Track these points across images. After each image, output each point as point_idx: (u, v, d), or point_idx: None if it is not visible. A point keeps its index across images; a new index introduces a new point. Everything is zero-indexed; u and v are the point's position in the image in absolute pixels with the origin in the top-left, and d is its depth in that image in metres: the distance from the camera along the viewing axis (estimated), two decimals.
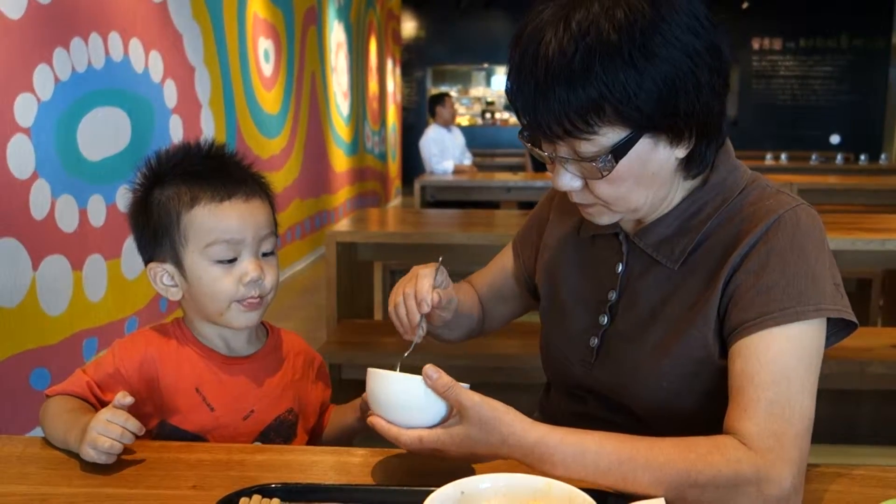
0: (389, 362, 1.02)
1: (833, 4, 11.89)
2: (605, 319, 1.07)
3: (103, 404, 1.11)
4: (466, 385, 0.91)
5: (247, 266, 1.10)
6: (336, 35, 7.61)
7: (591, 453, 0.85)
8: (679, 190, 1.02)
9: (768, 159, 8.24)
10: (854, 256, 2.61)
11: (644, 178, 0.95)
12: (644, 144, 0.91)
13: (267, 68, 5.44)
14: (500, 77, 12.77)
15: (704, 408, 0.97)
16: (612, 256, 1.08)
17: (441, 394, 0.89)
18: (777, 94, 12.48)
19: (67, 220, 2.91)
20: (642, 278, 1.04)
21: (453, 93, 12.15)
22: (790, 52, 12.42)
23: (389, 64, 11.13)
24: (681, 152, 0.95)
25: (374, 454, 1.04)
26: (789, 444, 0.85)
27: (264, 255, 1.14)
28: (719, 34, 0.92)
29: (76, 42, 2.96)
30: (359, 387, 1.02)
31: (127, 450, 0.99)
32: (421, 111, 12.55)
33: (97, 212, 3.12)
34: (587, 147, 0.91)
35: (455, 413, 0.90)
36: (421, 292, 1.06)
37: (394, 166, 11.45)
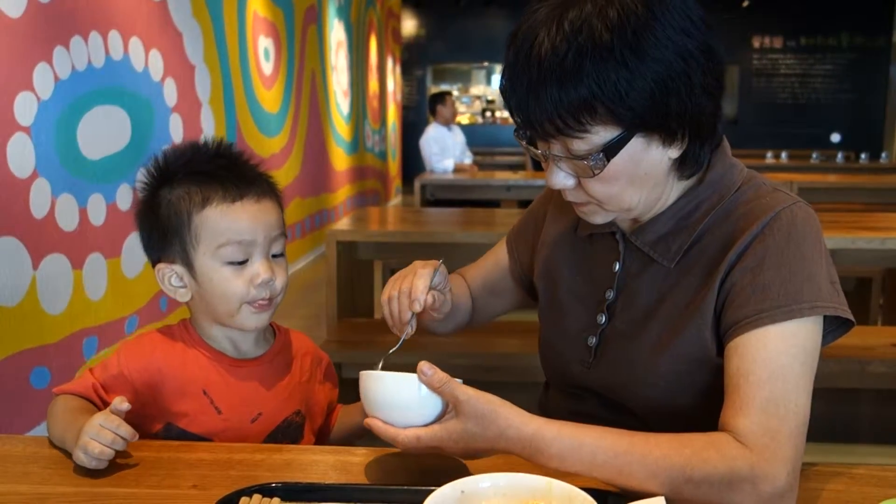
0: (388, 361, 1.02)
1: (834, 3, 11.88)
2: (602, 318, 1.08)
3: (107, 406, 1.11)
4: (460, 381, 0.91)
5: (258, 268, 1.10)
6: (336, 34, 7.61)
7: (587, 446, 0.85)
8: (674, 189, 1.02)
9: (769, 158, 8.23)
10: (854, 255, 2.61)
11: (637, 178, 0.95)
12: (636, 144, 0.92)
13: (267, 67, 5.43)
14: (500, 75, 12.76)
15: (703, 406, 0.97)
16: (609, 255, 1.09)
17: (436, 390, 0.89)
18: (777, 93, 12.48)
19: (67, 218, 2.91)
20: (639, 277, 1.05)
21: (454, 91, 12.14)
22: (791, 50, 12.41)
23: (389, 62, 11.13)
24: (674, 152, 0.95)
25: (374, 453, 1.04)
26: (784, 442, 0.85)
27: (274, 256, 1.13)
28: (713, 35, 0.92)
29: (76, 41, 2.96)
30: (358, 385, 1.02)
31: (126, 451, 0.99)
32: (421, 110, 12.55)
33: (97, 211, 3.12)
34: (579, 145, 0.91)
35: (451, 409, 0.90)
36: (415, 292, 1.05)
37: (394, 165, 11.45)
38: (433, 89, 12.32)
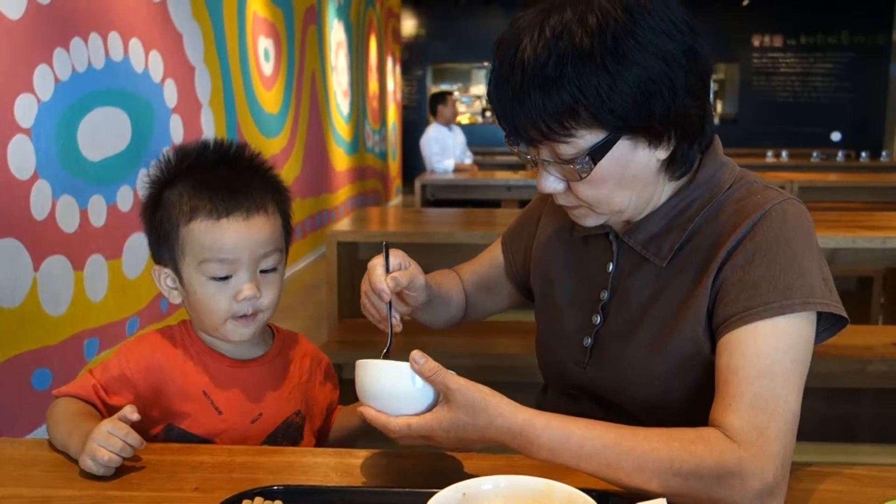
0: (390, 358, 1.02)
1: (834, 1, 11.88)
2: (598, 319, 1.08)
3: (108, 407, 1.11)
4: (451, 372, 0.91)
5: (241, 285, 1.08)
6: (336, 34, 7.60)
7: (575, 437, 0.85)
8: (665, 189, 1.03)
9: (769, 157, 8.23)
10: (855, 254, 2.61)
11: (625, 180, 0.96)
12: (623, 147, 0.93)
13: (267, 67, 5.43)
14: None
15: (698, 405, 0.97)
16: (602, 256, 1.09)
17: (428, 378, 0.90)
18: (778, 92, 12.47)
19: (68, 220, 2.91)
20: (632, 276, 1.05)
21: (454, 91, 12.13)
22: (791, 48, 12.40)
23: (389, 62, 11.12)
24: (662, 154, 0.96)
25: (376, 456, 1.04)
26: (773, 438, 0.85)
27: (264, 271, 1.11)
28: (697, 38, 0.93)
29: (76, 42, 2.96)
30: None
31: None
32: (421, 110, 12.55)
33: (98, 212, 3.12)
34: (566, 149, 0.92)
35: (442, 398, 0.90)
36: (375, 285, 1.05)
37: (394, 165, 11.45)
38: (433, 89, 12.31)
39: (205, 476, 0.97)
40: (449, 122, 6.53)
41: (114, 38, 3.25)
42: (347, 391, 1.06)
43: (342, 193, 7.79)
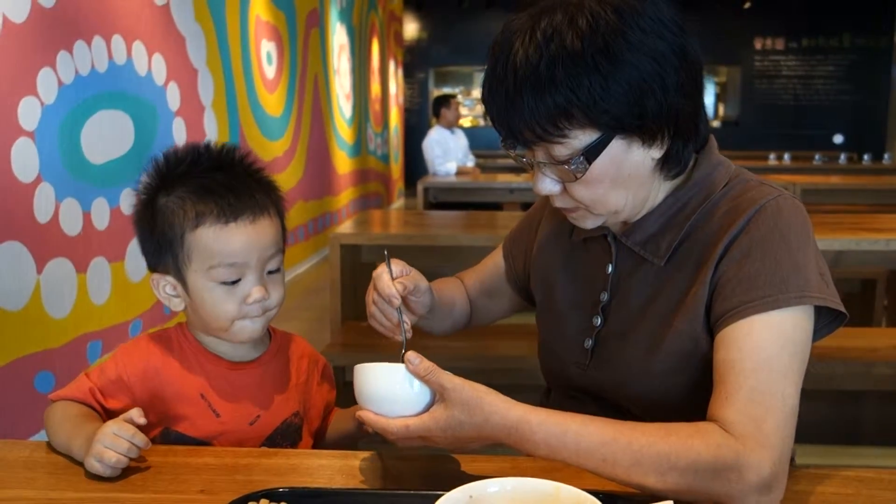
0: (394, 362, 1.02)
1: (835, 3, 11.88)
2: (598, 321, 1.09)
3: (106, 410, 1.11)
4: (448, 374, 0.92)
5: (250, 289, 1.09)
6: (338, 37, 7.61)
7: (572, 433, 0.85)
8: (661, 189, 1.03)
9: (771, 159, 8.23)
10: (858, 257, 2.61)
11: (620, 180, 0.96)
12: (617, 146, 0.93)
13: (270, 70, 5.44)
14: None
15: (699, 403, 0.97)
16: (602, 258, 1.10)
17: (423, 378, 0.90)
18: (780, 94, 12.47)
19: (71, 223, 2.91)
20: (631, 277, 1.06)
21: (456, 94, 12.14)
22: (792, 51, 12.41)
23: (392, 66, 11.14)
24: (656, 153, 0.96)
25: (381, 458, 1.03)
26: (770, 431, 0.85)
27: (269, 272, 1.11)
28: (687, 37, 0.94)
29: (79, 45, 2.96)
30: None
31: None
32: (423, 113, 12.56)
33: (101, 215, 3.12)
34: (560, 150, 0.93)
35: (438, 398, 0.91)
36: (384, 292, 1.05)
37: (396, 168, 11.45)
38: (435, 92, 12.31)
39: (209, 478, 0.97)
40: (451, 124, 6.53)
41: (117, 41, 3.25)
42: (350, 393, 1.06)
43: (344, 196, 7.80)
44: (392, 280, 1.06)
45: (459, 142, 6.61)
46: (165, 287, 1.13)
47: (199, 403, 1.13)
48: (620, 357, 1.05)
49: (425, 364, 0.90)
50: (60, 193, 2.84)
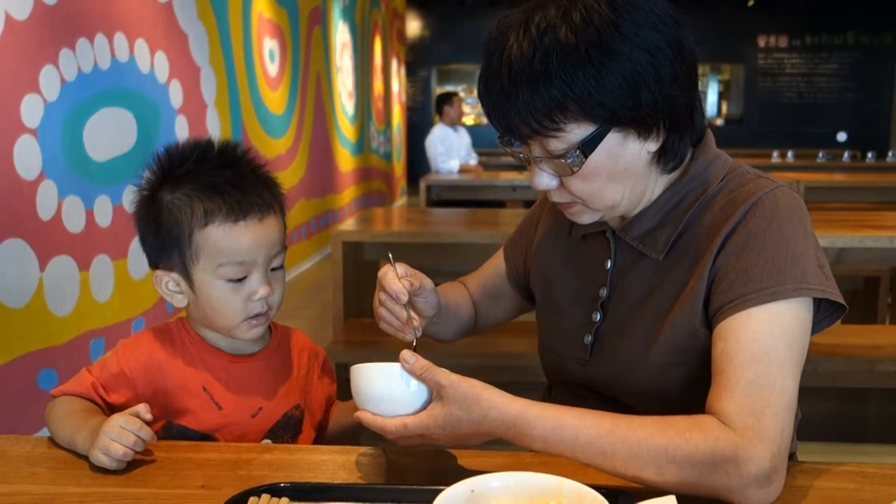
0: (394, 360, 1.02)
1: (840, 1, 11.85)
2: (597, 316, 1.09)
3: (108, 405, 1.11)
4: (445, 371, 0.92)
5: (256, 286, 1.10)
6: (341, 35, 7.61)
7: (570, 427, 0.86)
8: (658, 183, 1.03)
9: (774, 157, 8.22)
10: (861, 254, 2.60)
11: (617, 173, 0.96)
12: (613, 139, 0.93)
13: (272, 68, 5.44)
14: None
15: (698, 396, 0.97)
16: (600, 253, 1.10)
17: (419, 376, 0.90)
18: (783, 92, 12.44)
19: (74, 220, 2.92)
20: (630, 272, 1.06)
21: (459, 92, 12.13)
22: (796, 49, 12.38)
23: (394, 63, 11.13)
24: (652, 146, 0.97)
25: (383, 453, 1.03)
26: (769, 424, 0.84)
27: (273, 269, 1.12)
28: (682, 30, 0.94)
29: (82, 43, 2.97)
30: None
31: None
32: (426, 111, 12.55)
33: (104, 212, 3.12)
34: (556, 144, 0.93)
35: (436, 396, 0.91)
36: (391, 288, 1.04)
37: (399, 166, 11.45)
38: (438, 90, 12.30)
39: (211, 473, 0.97)
40: (454, 122, 6.53)
41: (119, 38, 3.25)
42: (350, 388, 1.06)
43: (347, 194, 7.80)
44: (398, 278, 1.06)
45: (462, 139, 6.61)
46: (168, 284, 1.13)
47: (202, 396, 1.13)
48: (620, 352, 1.05)
49: (421, 362, 0.90)
50: (63, 191, 2.84)
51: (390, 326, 1.08)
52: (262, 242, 1.09)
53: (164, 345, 1.15)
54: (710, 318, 0.95)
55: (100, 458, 0.95)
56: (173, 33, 3.81)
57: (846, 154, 8.47)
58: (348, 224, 3.23)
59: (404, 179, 11.85)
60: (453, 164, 6.26)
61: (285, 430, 1.18)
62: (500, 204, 5.98)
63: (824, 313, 0.96)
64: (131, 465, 0.98)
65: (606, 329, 1.08)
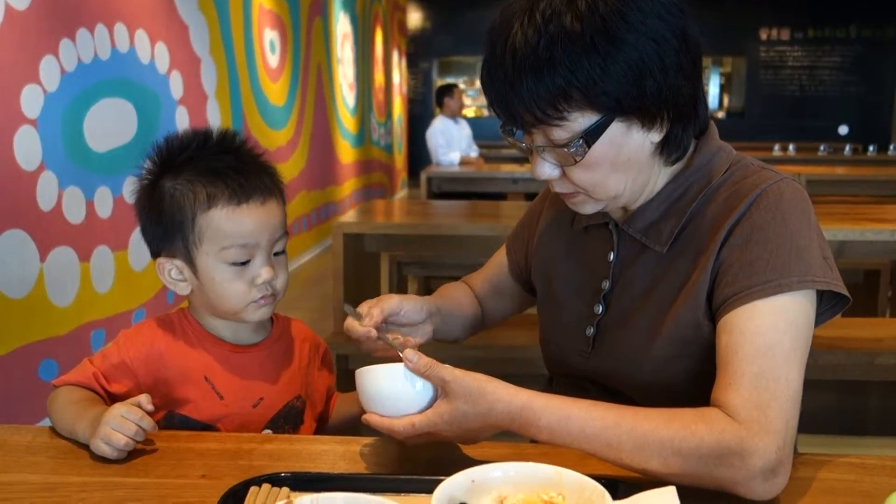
0: (395, 354, 1.02)
1: None
2: (599, 308, 1.08)
3: (109, 394, 1.11)
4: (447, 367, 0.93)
5: (260, 269, 1.10)
6: (342, 26, 7.59)
7: (575, 419, 0.86)
8: (662, 175, 1.03)
9: (776, 150, 8.20)
10: (862, 247, 2.60)
11: (619, 163, 0.96)
12: (616, 129, 0.93)
13: (273, 59, 5.43)
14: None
15: (700, 389, 0.97)
16: (603, 246, 1.10)
17: (423, 374, 0.91)
18: (785, 85, 12.40)
19: (74, 211, 2.92)
20: (633, 264, 1.06)
21: (459, 84, 12.11)
22: (798, 42, 12.33)
23: (395, 55, 11.10)
24: (655, 136, 0.96)
25: (383, 443, 1.03)
26: (774, 416, 0.84)
27: (276, 254, 1.13)
28: (687, 20, 0.94)
29: (82, 33, 2.96)
30: None
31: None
32: (427, 103, 12.52)
33: (104, 203, 3.12)
34: (559, 133, 0.93)
35: (441, 392, 0.91)
36: (357, 335, 1.07)
37: (400, 158, 11.44)
38: (439, 82, 12.27)
39: (212, 463, 0.97)
40: (455, 114, 6.52)
41: (120, 29, 3.24)
42: (350, 380, 1.07)
43: (348, 186, 7.79)
44: (359, 323, 1.07)
45: (463, 131, 6.60)
46: (171, 271, 1.13)
47: (203, 386, 1.13)
48: (622, 344, 1.05)
49: (424, 360, 0.91)
50: (63, 182, 2.84)
51: (385, 353, 1.09)
52: (265, 225, 1.10)
53: (166, 334, 1.15)
54: (715, 310, 0.95)
55: (101, 447, 0.96)
56: (173, 24, 3.80)
57: (848, 147, 8.45)
58: (349, 216, 3.23)
59: (405, 171, 11.84)
60: (454, 157, 6.25)
61: (286, 421, 1.18)
62: (501, 196, 5.98)
63: (827, 305, 0.96)
64: (132, 455, 0.98)
65: (608, 321, 1.08)
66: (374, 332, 1.06)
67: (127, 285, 3.30)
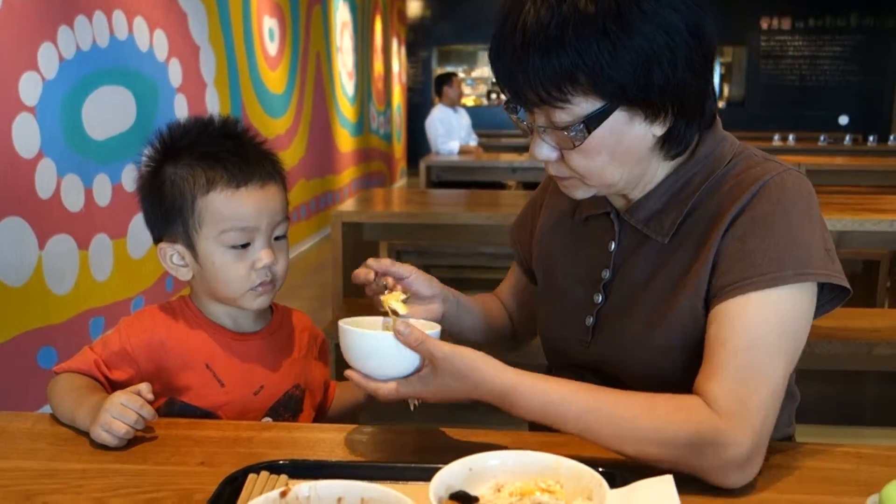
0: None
1: None
2: (599, 298, 1.08)
3: (110, 382, 1.11)
4: (437, 330, 0.95)
5: (260, 252, 1.10)
6: (341, 14, 7.56)
7: (557, 402, 0.88)
8: (661, 168, 1.02)
9: (776, 140, 8.18)
10: (861, 237, 2.60)
11: (618, 153, 0.96)
12: (618, 118, 0.93)
13: (272, 47, 5.41)
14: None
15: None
16: (604, 235, 1.09)
17: (413, 348, 0.91)
18: (785, 75, 12.36)
19: (73, 199, 2.91)
20: (634, 254, 1.05)
21: (459, 73, 12.07)
22: (799, 31, 12.28)
23: (395, 44, 11.06)
24: (658, 129, 0.96)
25: (381, 431, 1.04)
26: (753, 410, 0.85)
27: (276, 238, 1.13)
28: (703, 14, 0.93)
29: (80, 20, 2.94)
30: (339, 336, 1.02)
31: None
32: (426, 91, 12.48)
33: (103, 191, 3.11)
34: (562, 116, 0.93)
35: (428, 363, 0.92)
36: (358, 278, 1.09)
37: (399, 147, 11.42)
38: (438, 71, 12.23)
39: (211, 450, 0.97)
40: (454, 103, 6.50)
41: (118, 16, 3.23)
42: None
43: (347, 175, 7.78)
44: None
45: (462, 120, 6.58)
46: (173, 256, 1.13)
47: (204, 373, 1.13)
48: (621, 333, 1.05)
49: (416, 334, 0.91)
50: (62, 169, 2.83)
51: (370, 290, 1.09)
52: (264, 209, 1.10)
53: (167, 322, 1.15)
54: (709, 299, 0.95)
55: (101, 434, 0.96)
56: (172, 11, 3.78)
57: (848, 137, 8.43)
58: (348, 205, 3.23)
59: (404, 160, 11.81)
60: (453, 146, 6.23)
61: (286, 409, 1.18)
62: (500, 185, 5.97)
63: (828, 296, 0.96)
64: (131, 442, 0.98)
65: (608, 310, 1.08)
66: (372, 275, 1.07)
67: (126, 273, 3.29)
